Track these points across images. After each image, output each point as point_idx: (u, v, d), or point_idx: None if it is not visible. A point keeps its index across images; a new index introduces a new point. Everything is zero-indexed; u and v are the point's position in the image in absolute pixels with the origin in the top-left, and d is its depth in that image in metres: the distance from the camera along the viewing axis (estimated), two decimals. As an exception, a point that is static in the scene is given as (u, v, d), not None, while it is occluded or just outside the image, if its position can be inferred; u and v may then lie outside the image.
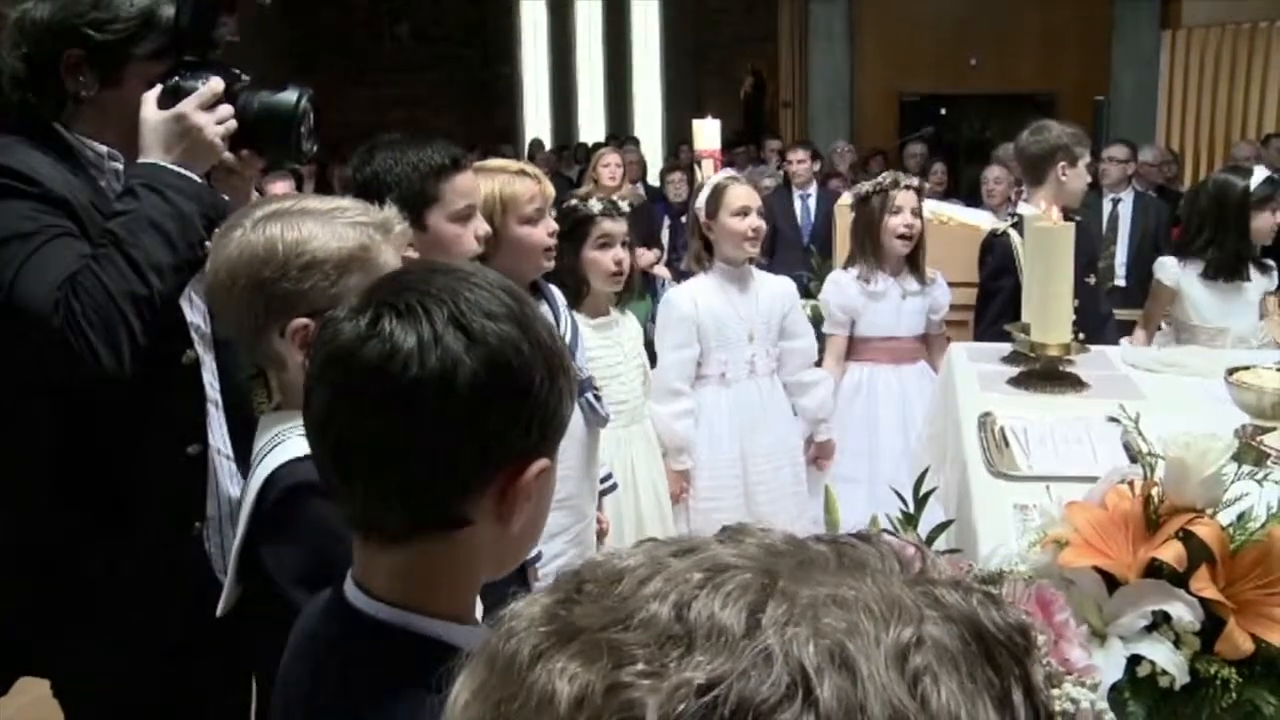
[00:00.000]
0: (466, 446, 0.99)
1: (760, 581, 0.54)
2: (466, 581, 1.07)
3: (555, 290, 2.89)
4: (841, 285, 4.02)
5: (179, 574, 1.88)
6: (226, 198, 1.91)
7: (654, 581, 0.55)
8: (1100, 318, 3.80)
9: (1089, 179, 3.78)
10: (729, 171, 3.96)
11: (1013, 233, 3.74)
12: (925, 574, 0.57)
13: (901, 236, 3.91)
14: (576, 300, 3.27)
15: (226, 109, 1.86)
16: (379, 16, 14.99)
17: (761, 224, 3.64)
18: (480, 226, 2.27)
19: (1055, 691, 0.57)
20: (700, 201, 3.73)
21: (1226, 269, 3.89)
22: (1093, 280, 3.80)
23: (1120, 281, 6.54)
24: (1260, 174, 4.01)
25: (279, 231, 1.49)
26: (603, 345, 3.27)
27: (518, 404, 1.00)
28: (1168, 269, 4.02)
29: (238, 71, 1.92)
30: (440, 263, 1.31)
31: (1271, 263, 4.00)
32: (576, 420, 2.79)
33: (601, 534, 3.09)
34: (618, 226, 3.27)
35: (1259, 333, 3.76)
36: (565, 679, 0.53)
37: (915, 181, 4.05)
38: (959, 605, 0.55)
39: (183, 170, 1.81)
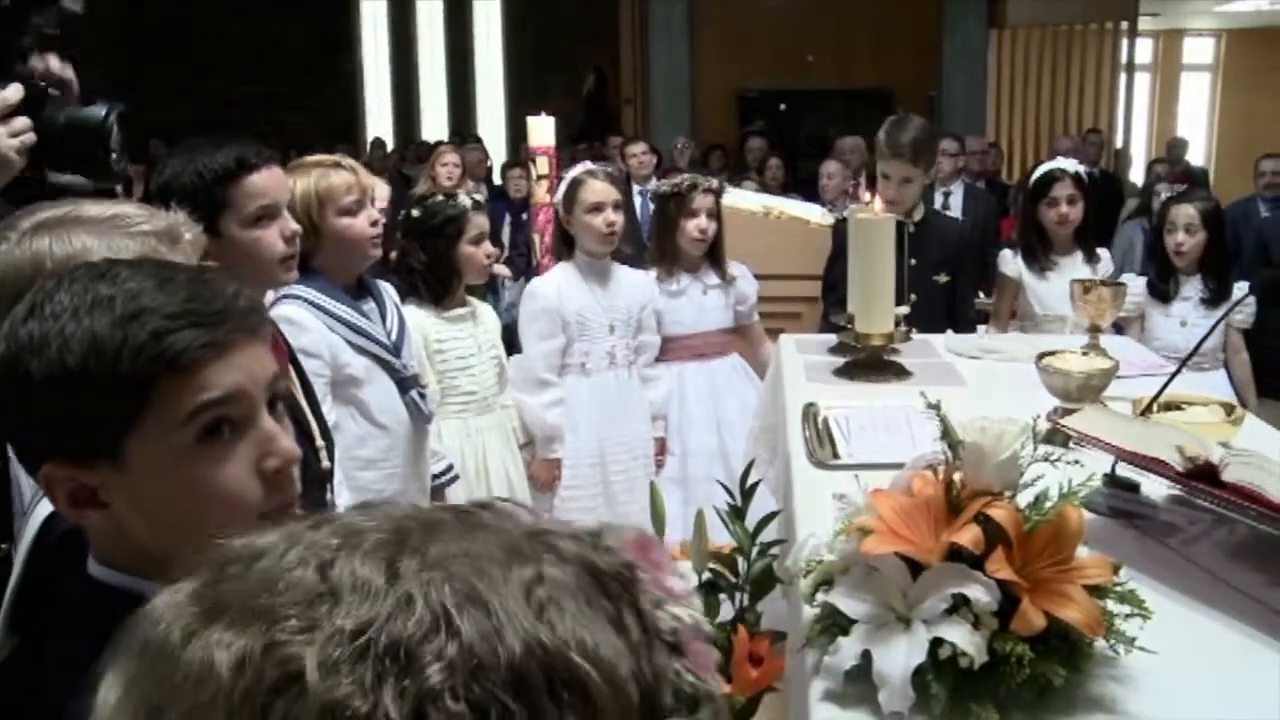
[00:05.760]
0: (17, 435, 1.11)
1: (394, 539, 0.60)
2: (154, 548, 1.10)
3: (385, 286, 2.89)
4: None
5: None
6: None
7: (295, 550, 0.60)
8: (948, 318, 3.78)
9: (887, 190, 3.81)
10: (588, 165, 3.95)
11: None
12: (541, 528, 0.65)
13: (696, 239, 3.93)
14: (444, 295, 3.29)
15: (23, 121, 1.75)
16: (214, 13, 14.54)
17: (619, 219, 3.65)
18: (286, 226, 2.17)
19: (661, 613, 0.66)
20: (558, 196, 3.76)
21: (1026, 257, 4.05)
22: (943, 279, 3.85)
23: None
24: (1046, 166, 4.16)
25: (47, 246, 1.34)
26: (455, 337, 3.32)
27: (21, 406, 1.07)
28: (1007, 260, 4.15)
29: (45, 85, 1.82)
30: (92, 263, 1.21)
31: (1102, 252, 4.15)
32: (401, 418, 2.81)
33: None
34: (486, 221, 3.35)
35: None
36: (222, 648, 0.55)
37: (714, 184, 4.07)
38: (571, 549, 0.63)
39: None
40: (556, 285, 3.72)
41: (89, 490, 1.08)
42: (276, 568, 0.59)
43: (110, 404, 1.03)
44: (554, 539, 0.63)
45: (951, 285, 3.85)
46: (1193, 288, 4.11)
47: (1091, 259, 4.05)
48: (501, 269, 6.28)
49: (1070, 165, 4.11)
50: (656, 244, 4.06)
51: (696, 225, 3.91)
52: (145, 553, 1.09)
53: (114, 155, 1.84)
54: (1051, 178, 4.02)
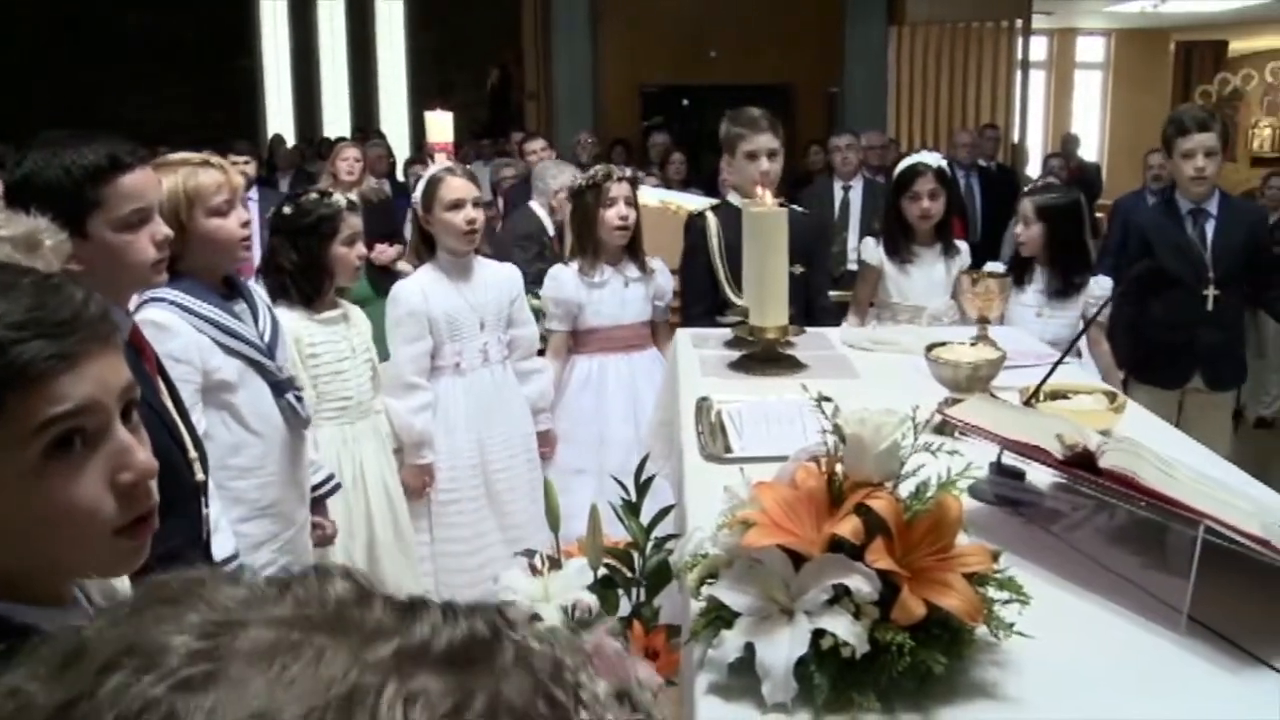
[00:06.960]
0: None
1: (164, 695, 0.48)
2: (4, 564, 1.02)
3: (255, 287, 2.80)
4: (561, 280, 4.02)
5: None
6: None
7: None
8: (806, 309, 3.78)
9: (756, 169, 3.78)
10: (444, 163, 3.90)
11: (710, 215, 3.81)
12: (401, 647, 0.51)
13: (618, 228, 3.94)
14: (314, 297, 3.21)
15: None
16: (109, 7, 14.14)
17: (479, 215, 3.60)
18: (158, 230, 2.07)
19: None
20: (416, 195, 3.67)
21: (888, 248, 4.10)
22: (798, 270, 3.85)
23: (852, 266, 6.80)
24: (909, 160, 4.19)
25: None
26: (328, 340, 3.23)
27: None
28: (869, 248, 4.20)
29: None
30: None
31: (960, 244, 4.20)
32: (276, 423, 2.68)
33: (329, 538, 3.00)
34: (360, 223, 3.28)
35: (951, 311, 3.95)
36: None
37: (628, 172, 4.08)
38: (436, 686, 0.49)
39: None
40: (421, 287, 3.63)
41: None
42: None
43: None
44: (411, 666, 0.49)
45: (805, 277, 3.81)
46: (1042, 279, 4.11)
47: (949, 252, 4.11)
48: (405, 266, 6.20)
49: (933, 159, 4.14)
50: (576, 237, 4.05)
51: (617, 213, 3.92)
52: None
53: None
54: (915, 172, 4.06)
